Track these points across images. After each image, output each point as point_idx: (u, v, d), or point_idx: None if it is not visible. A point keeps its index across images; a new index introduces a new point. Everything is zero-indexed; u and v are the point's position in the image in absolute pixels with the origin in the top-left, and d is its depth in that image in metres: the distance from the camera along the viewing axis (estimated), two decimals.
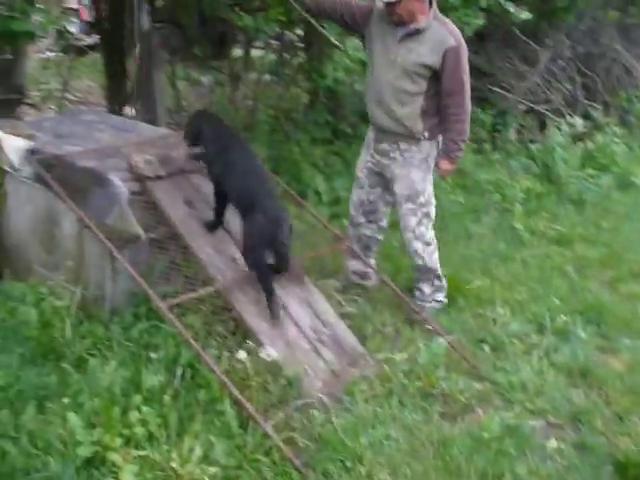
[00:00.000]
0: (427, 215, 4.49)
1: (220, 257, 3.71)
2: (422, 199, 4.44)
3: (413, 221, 4.46)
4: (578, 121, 8.84)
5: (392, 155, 4.41)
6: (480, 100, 9.10)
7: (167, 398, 3.13)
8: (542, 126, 9.25)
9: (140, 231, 3.70)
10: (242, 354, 3.25)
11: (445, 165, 4.43)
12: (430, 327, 4.22)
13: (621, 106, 10.05)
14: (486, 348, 4.25)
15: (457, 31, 4.22)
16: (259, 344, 3.37)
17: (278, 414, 3.18)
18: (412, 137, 4.32)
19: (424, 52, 4.14)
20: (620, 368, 4.20)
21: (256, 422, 3.05)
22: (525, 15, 7.10)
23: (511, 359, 4.13)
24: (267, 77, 7.63)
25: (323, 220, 4.55)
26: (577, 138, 8.70)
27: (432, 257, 4.56)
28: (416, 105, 4.25)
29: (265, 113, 6.69)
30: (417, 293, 4.64)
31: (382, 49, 4.27)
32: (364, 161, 4.59)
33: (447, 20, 4.28)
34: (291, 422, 3.18)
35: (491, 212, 6.49)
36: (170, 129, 5.70)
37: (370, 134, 4.57)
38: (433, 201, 4.53)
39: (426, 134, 4.32)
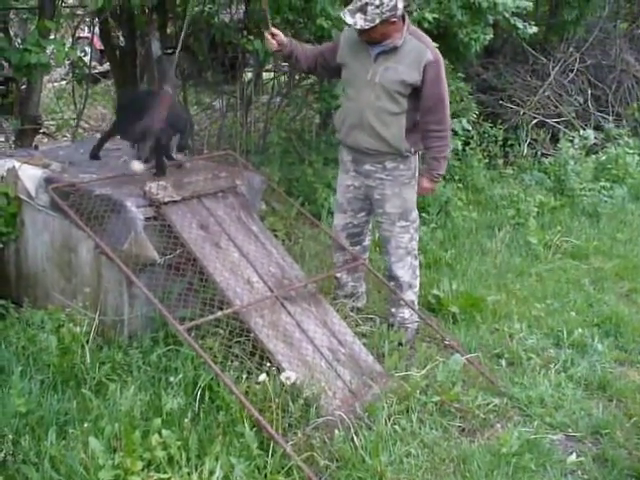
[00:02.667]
0: (416, 230, 4.48)
1: (236, 280, 3.73)
2: (414, 215, 4.41)
3: (406, 238, 4.39)
4: (590, 133, 8.85)
5: (378, 176, 4.30)
6: (491, 115, 9.16)
7: (187, 421, 3.14)
8: (554, 139, 9.28)
9: (156, 256, 3.74)
10: (262, 376, 3.26)
11: (426, 184, 4.36)
12: (447, 343, 4.22)
13: (633, 117, 10.05)
14: (503, 363, 4.25)
15: (433, 44, 4.14)
16: (278, 366, 3.38)
17: (298, 434, 3.19)
18: (399, 155, 4.23)
19: (403, 69, 4.03)
20: (639, 380, 4.19)
21: (276, 442, 3.05)
22: (533, 30, 7.15)
23: (529, 374, 4.12)
24: (278, 99, 7.67)
25: (336, 239, 4.56)
26: (590, 150, 8.71)
27: (417, 271, 4.53)
28: (400, 124, 4.15)
29: (277, 135, 6.72)
30: (397, 319, 4.51)
31: (358, 70, 4.14)
32: (344, 185, 4.46)
33: (422, 33, 4.20)
34: (311, 442, 3.18)
35: (505, 227, 6.49)
36: (182, 154, 5.76)
37: (346, 156, 4.42)
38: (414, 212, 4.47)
39: (412, 150, 4.25)
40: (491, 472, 3.23)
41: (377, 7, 3.87)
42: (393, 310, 4.51)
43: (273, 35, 4.28)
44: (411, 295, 4.49)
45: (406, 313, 4.48)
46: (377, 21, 3.89)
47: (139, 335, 3.84)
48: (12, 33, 6.49)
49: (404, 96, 4.10)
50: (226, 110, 7.50)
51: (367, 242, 4.66)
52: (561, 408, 3.82)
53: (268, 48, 4.40)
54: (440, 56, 4.11)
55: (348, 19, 3.93)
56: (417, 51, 4.04)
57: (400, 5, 3.95)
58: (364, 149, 4.25)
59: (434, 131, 4.19)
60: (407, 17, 4.11)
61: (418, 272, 4.56)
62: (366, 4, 3.88)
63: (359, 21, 3.90)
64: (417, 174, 4.38)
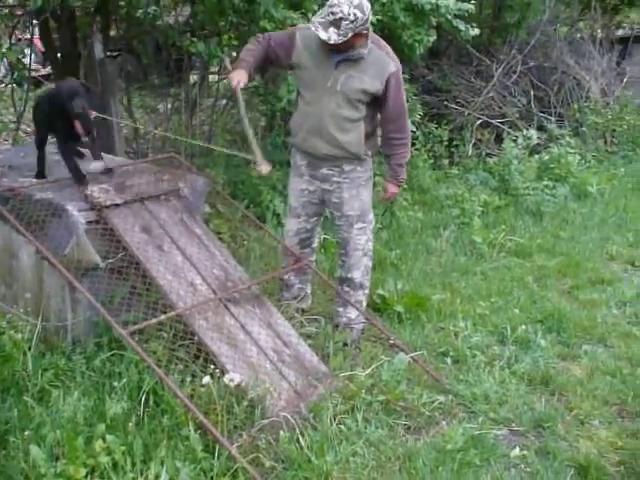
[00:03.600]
0: (372, 231, 4.53)
1: (180, 283, 3.70)
2: (370, 216, 4.46)
3: (363, 240, 4.43)
4: (533, 133, 8.99)
5: (335, 179, 4.31)
6: (436, 116, 9.27)
7: (131, 425, 3.11)
8: (498, 140, 9.43)
9: (99, 260, 3.70)
10: (206, 379, 3.25)
11: (393, 189, 4.45)
12: (392, 342, 4.26)
13: (574, 118, 10.26)
14: (448, 361, 4.29)
15: (393, 53, 4.14)
16: (222, 368, 3.37)
17: (243, 436, 3.18)
18: (355, 156, 4.24)
19: (366, 79, 4.02)
20: (580, 374, 4.27)
21: (221, 445, 3.04)
22: (475, 32, 7.24)
23: (473, 371, 4.17)
24: (223, 102, 7.66)
25: (283, 241, 4.56)
26: (533, 150, 8.85)
27: (369, 272, 4.58)
28: (359, 130, 4.16)
29: (222, 138, 6.71)
30: (344, 319, 4.52)
31: (317, 76, 4.09)
32: (298, 190, 4.44)
33: (383, 42, 4.17)
34: (257, 443, 3.18)
35: (450, 227, 6.56)
36: (127, 157, 5.72)
37: (300, 160, 4.39)
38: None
39: (369, 153, 4.30)
40: (436, 468, 3.26)
41: (352, 22, 3.80)
42: (340, 310, 4.53)
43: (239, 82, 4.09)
44: (361, 295, 4.53)
45: (353, 313, 4.50)
46: (350, 35, 3.83)
47: (83, 340, 3.79)
48: None
49: (364, 103, 4.11)
50: (171, 113, 7.46)
51: (315, 244, 4.68)
52: (505, 404, 3.87)
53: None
54: (400, 66, 4.14)
55: (321, 34, 3.83)
56: (381, 62, 4.05)
57: (370, 17, 3.92)
58: (322, 155, 4.24)
59: (397, 139, 4.25)
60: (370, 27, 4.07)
61: (370, 273, 4.60)
62: (340, 19, 3.80)
63: (332, 36, 3.83)
64: (372, 175, 4.44)
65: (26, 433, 3.04)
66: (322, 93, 4.09)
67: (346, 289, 4.50)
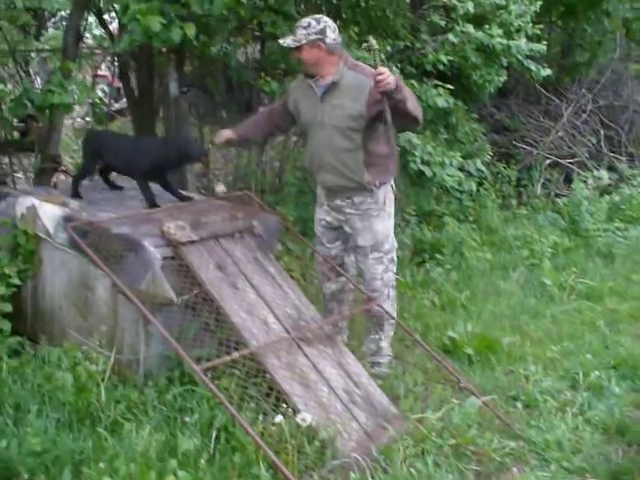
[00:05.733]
0: (392, 260, 4.48)
1: (253, 321, 3.73)
2: (387, 246, 4.42)
3: (380, 269, 4.40)
4: (604, 174, 8.87)
5: (347, 210, 4.36)
6: (504, 156, 9.21)
7: (202, 462, 3.13)
8: (568, 180, 9.31)
9: (173, 295, 3.76)
10: (279, 418, 3.26)
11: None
12: (463, 385, 4.20)
13: None
14: (519, 406, 4.20)
15: (369, 69, 4.10)
16: (293, 407, 3.38)
17: (314, 476, 3.17)
18: (364, 189, 4.27)
19: (347, 104, 4.12)
20: None
21: None
22: (547, 72, 7.21)
23: (545, 416, 4.07)
24: (294, 139, 7.74)
25: (353, 281, 4.56)
26: (603, 191, 8.72)
27: (395, 302, 4.58)
28: (357, 159, 4.20)
29: (292, 175, 6.78)
30: (372, 347, 4.52)
31: (309, 113, 4.29)
32: (319, 219, 4.56)
33: (357, 62, 4.30)
34: None
35: (520, 268, 6.49)
36: (199, 194, 5.81)
37: (320, 191, 4.54)
38: (396, 244, 4.53)
39: (377, 183, 4.27)
40: None
41: (304, 28, 4.10)
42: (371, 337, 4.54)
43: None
44: (388, 327, 4.53)
45: (383, 344, 4.52)
46: (303, 41, 4.09)
47: (154, 374, 3.84)
48: (32, 72, 6.61)
49: (357, 131, 4.17)
50: (241, 149, 7.56)
51: (352, 274, 4.66)
52: (579, 452, 3.75)
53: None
54: None
55: (280, 41, 4.30)
56: (357, 82, 4.12)
57: (330, 34, 4.11)
58: (331, 187, 4.37)
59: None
60: (345, 52, 4.33)
61: (396, 304, 4.62)
62: (296, 27, 4.18)
63: (287, 40, 4.19)
64: (389, 207, 4.42)
65: (100, 465, 3.08)
66: (316, 129, 4.28)
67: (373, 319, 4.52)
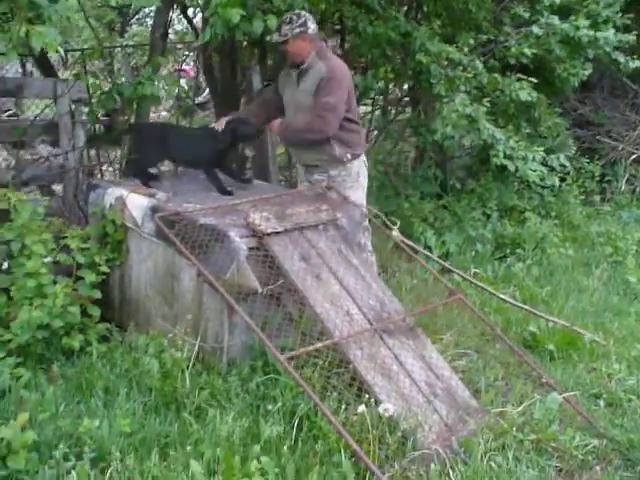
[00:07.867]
0: (367, 228, 4.87)
1: (336, 312, 3.77)
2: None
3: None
4: None
5: (324, 184, 4.75)
6: (588, 151, 9.01)
7: (285, 449, 3.19)
8: None
9: (258, 286, 3.82)
10: (361, 407, 3.29)
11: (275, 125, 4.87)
12: (544, 381, 4.16)
13: None
14: (602, 404, 4.13)
15: (338, 65, 4.64)
16: (375, 398, 3.40)
17: (394, 467, 3.19)
18: (338, 161, 4.72)
19: (309, 87, 4.61)
20: None
21: (373, 474, 3.06)
22: (636, 64, 7.02)
23: (629, 416, 3.99)
24: (375, 133, 7.75)
25: (435, 273, 4.55)
26: None
27: (374, 266, 4.92)
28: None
29: (374, 169, 6.78)
30: None
31: (288, 95, 4.80)
32: None
33: (330, 56, 4.72)
34: (407, 474, 3.17)
35: (602, 265, 6.36)
36: (282, 186, 5.87)
37: (300, 169, 5.05)
38: (366, 211, 4.81)
39: (348, 156, 4.74)
40: None
41: (288, 24, 4.55)
42: None
43: None
44: None
45: None
46: (289, 35, 4.55)
47: (238, 362, 3.92)
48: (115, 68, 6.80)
49: None
50: None
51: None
52: None
53: None
54: (338, 74, 4.60)
55: (268, 37, 4.71)
56: (317, 69, 4.60)
57: (311, 25, 4.58)
58: (308, 163, 4.86)
59: (308, 123, 4.62)
60: (322, 42, 4.75)
61: (375, 267, 4.93)
62: (281, 23, 4.57)
63: (274, 36, 4.62)
64: (362, 179, 4.91)
65: (188, 448, 3.17)
66: (291, 109, 4.80)
67: None
